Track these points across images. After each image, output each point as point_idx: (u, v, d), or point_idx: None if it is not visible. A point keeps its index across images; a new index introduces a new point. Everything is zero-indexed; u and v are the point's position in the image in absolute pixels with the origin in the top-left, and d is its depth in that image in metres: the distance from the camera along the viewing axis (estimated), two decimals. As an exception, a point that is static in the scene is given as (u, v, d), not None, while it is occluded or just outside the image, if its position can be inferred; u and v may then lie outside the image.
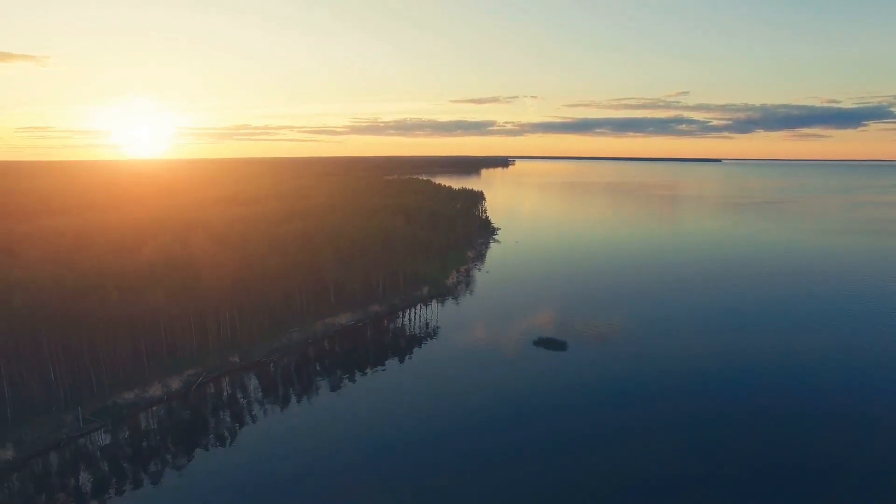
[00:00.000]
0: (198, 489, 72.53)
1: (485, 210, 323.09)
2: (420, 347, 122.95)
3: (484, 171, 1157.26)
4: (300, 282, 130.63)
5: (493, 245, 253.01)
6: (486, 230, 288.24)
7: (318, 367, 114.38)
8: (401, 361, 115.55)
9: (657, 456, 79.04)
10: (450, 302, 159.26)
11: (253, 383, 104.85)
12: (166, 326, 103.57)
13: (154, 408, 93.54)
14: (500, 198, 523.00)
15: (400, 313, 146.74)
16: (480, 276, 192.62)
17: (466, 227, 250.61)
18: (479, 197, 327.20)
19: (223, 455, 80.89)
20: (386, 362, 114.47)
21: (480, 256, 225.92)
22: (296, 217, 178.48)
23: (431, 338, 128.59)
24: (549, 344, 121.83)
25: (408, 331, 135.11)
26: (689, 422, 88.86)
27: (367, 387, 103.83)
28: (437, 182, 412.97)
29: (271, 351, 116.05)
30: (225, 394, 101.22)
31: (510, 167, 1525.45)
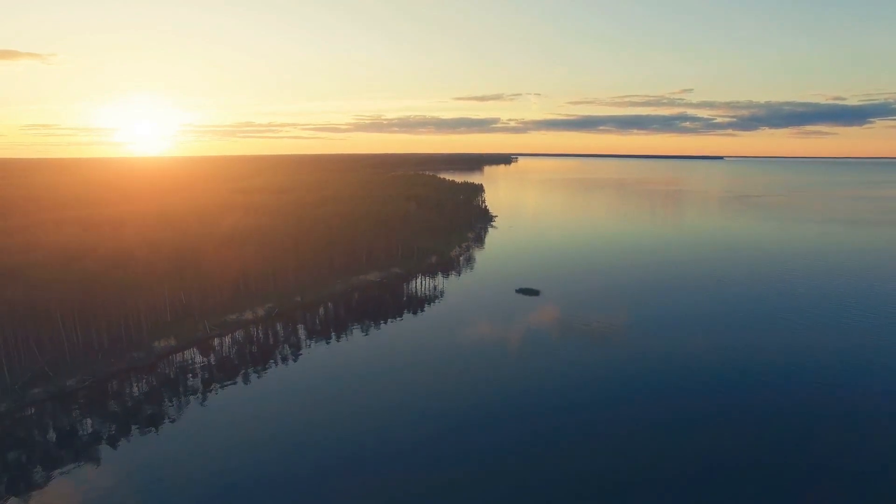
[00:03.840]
0: (274, 382, 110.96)
1: (484, 201, 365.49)
2: (428, 302, 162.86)
3: (487, 168, 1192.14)
4: (341, 247, 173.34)
5: (490, 230, 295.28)
6: (485, 217, 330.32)
7: (354, 310, 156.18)
8: (413, 312, 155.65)
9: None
10: (452, 269, 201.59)
11: (310, 316, 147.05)
12: (252, 273, 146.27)
13: (248, 326, 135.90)
14: (501, 192, 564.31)
15: (414, 276, 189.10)
16: (477, 251, 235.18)
17: (467, 213, 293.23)
18: (479, 189, 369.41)
19: (290, 363, 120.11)
20: (403, 311, 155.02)
21: (479, 237, 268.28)
22: (329, 202, 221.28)
23: (437, 295, 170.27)
24: (527, 292, 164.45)
25: (419, 289, 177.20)
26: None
27: (387, 327, 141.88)
28: (441, 177, 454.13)
29: (322, 296, 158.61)
30: (292, 321, 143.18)
31: (513, 164, 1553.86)
